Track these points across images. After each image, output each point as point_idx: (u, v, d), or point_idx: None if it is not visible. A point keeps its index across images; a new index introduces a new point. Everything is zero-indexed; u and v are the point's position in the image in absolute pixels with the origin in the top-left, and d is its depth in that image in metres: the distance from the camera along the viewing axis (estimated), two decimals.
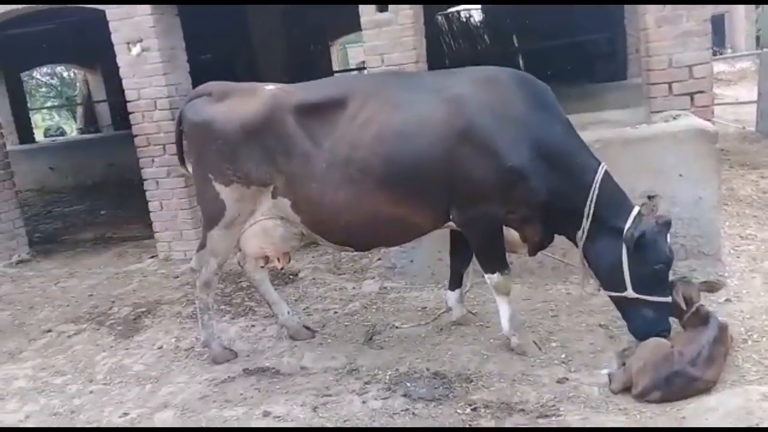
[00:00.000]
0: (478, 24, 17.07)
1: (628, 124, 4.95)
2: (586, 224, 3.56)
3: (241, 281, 5.26)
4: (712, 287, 3.62)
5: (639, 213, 3.51)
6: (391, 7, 5.21)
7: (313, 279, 5.38)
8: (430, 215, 3.70)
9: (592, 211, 3.52)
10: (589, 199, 3.52)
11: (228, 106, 3.84)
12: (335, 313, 4.66)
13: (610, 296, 3.63)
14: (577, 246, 3.68)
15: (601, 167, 3.61)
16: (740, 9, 29.72)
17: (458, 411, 3.23)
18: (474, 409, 3.23)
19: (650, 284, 3.47)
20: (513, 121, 3.54)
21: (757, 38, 21.55)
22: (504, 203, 3.58)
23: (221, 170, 3.80)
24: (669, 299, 3.47)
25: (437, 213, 3.68)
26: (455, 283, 4.19)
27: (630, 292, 3.47)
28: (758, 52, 9.97)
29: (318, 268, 5.56)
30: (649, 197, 4.54)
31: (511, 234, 3.76)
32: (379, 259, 5.33)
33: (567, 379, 3.43)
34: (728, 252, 4.77)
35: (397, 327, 4.29)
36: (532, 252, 3.88)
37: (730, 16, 32.02)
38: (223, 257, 4.03)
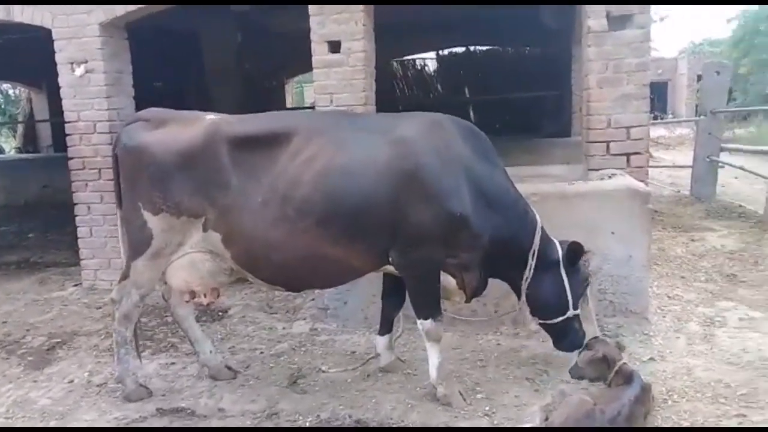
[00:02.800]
0: (432, 73, 17.41)
1: (566, 179, 5.06)
2: (532, 262, 3.70)
3: (166, 316, 5.08)
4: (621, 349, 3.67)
5: (559, 242, 3.79)
6: (343, 48, 5.25)
7: (243, 317, 5.23)
8: (369, 257, 3.64)
9: (537, 251, 3.67)
10: (535, 241, 3.70)
11: (164, 133, 3.74)
12: (261, 353, 4.52)
13: (548, 324, 3.81)
14: (516, 287, 3.82)
15: (535, 212, 3.81)
16: (683, 78, 31.26)
17: None
18: None
19: (578, 300, 3.78)
20: (457, 165, 3.56)
21: (696, 106, 22.61)
22: (446, 248, 3.57)
23: (151, 198, 3.68)
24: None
25: (376, 255, 3.63)
26: (385, 328, 4.12)
27: (571, 311, 3.73)
28: (696, 119, 10.34)
29: (249, 305, 5.42)
30: None
31: (448, 280, 3.73)
32: (313, 299, 5.24)
33: None
34: (655, 311, 4.85)
35: (323, 371, 4.17)
36: (469, 298, 3.87)
37: (673, 84, 33.70)
38: (146, 289, 3.87)
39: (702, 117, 9.88)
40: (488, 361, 4.23)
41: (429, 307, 3.67)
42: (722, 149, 9.87)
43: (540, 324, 3.88)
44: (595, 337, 3.79)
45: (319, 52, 5.26)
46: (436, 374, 3.71)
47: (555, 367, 4.04)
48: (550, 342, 4.39)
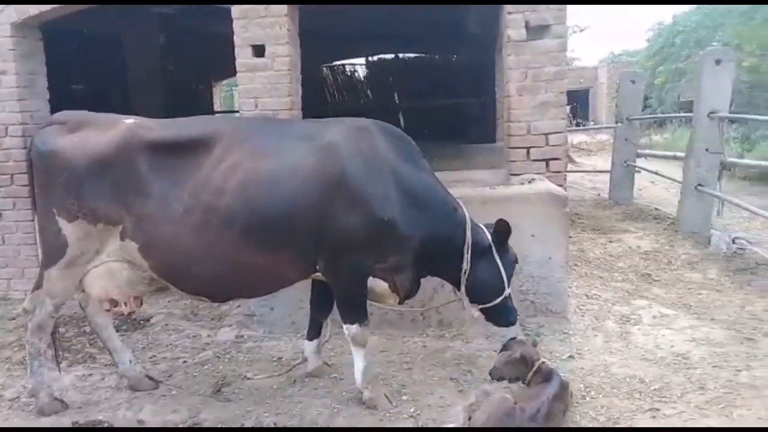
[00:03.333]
0: (362, 79, 17.51)
1: (488, 184, 5.18)
2: (467, 255, 3.74)
3: (84, 326, 4.89)
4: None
5: (485, 225, 3.86)
6: (267, 52, 5.21)
7: (166, 325, 5.10)
8: (297, 266, 3.62)
9: (470, 243, 3.73)
10: (467, 235, 3.75)
11: (80, 137, 3.61)
12: (184, 362, 4.42)
13: (489, 307, 3.85)
14: (454, 281, 3.86)
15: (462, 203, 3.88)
16: (603, 86, 32.47)
17: None
18: None
19: (510, 278, 3.88)
20: (384, 170, 3.57)
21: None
22: (375, 253, 3.58)
23: (65, 204, 3.54)
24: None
25: (304, 263, 3.60)
26: (313, 333, 4.11)
27: (507, 290, 3.82)
28: (613, 126, 10.77)
29: (173, 313, 5.30)
30: None
31: (380, 285, 3.74)
32: (239, 306, 5.15)
33: None
34: (574, 310, 5.02)
35: (248, 378, 4.12)
36: (402, 300, 3.89)
37: (594, 91, 34.95)
38: (60, 299, 3.72)
39: (619, 124, 10.30)
40: (414, 363, 4.28)
41: (356, 312, 3.68)
42: (638, 155, 10.30)
43: (480, 309, 3.91)
44: (513, 338, 3.89)
45: (243, 56, 5.20)
46: (362, 378, 3.72)
47: (478, 367, 4.13)
48: (474, 343, 4.53)
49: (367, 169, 3.51)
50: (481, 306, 3.89)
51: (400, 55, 16.75)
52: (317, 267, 3.60)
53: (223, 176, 3.41)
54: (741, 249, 6.57)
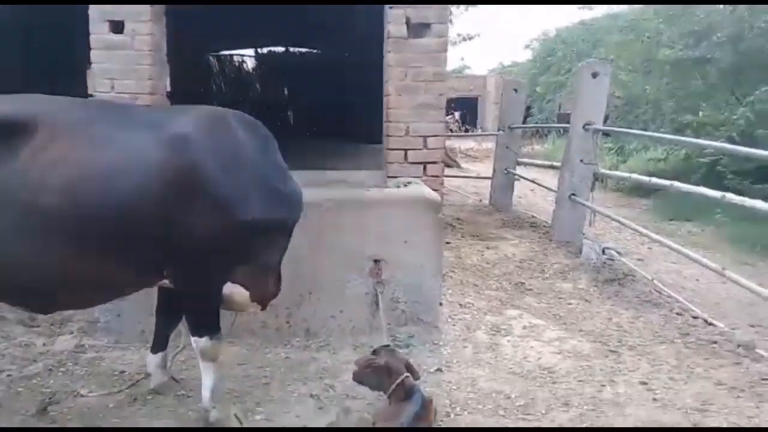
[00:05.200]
0: (251, 70, 16.94)
1: (365, 185, 4.95)
2: None
3: None
4: (411, 371, 3.55)
5: None
6: (127, 29, 4.70)
7: None
8: (138, 274, 3.16)
9: None
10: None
11: None
12: (9, 375, 3.85)
13: None
14: None
15: None
16: (491, 95, 33.48)
17: None
18: None
19: None
20: (244, 167, 3.18)
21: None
22: (236, 258, 3.21)
23: None
24: None
25: (147, 271, 3.16)
26: (159, 345, 3.69)
27: None
28: (495, 134, 10.91)
29: (5, 317, 4.64)
30: (375, 261, 4.52)
31: (239, 293, 3.36)
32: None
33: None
34: (446, 319, 4.89)
35: (81, 395, 3.64)
36: (264, 306, 3.56)
37: (482, 100, 36.01)
38: None
39: (501, 132, 10.43)
40: (273, 378, 3.96)
41: (207, 324, 3.31)
42: (518, 163, 10.49)
43: None
44: (386, 345, 3.67)
45: (98, 31, 4.66)
46: (209, 396, 3.36)
47: (342, 382, 3.86)
48: (340, 354, 4.29)
49: (223, 165, 3.10)
50: None
51: (291, 50, 16.31)
52: (164, 274, 3.19)
53: (43, 172, 2.84)
54: (610, 259, 6.72)
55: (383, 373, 3.41)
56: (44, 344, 4.34)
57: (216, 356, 3.38)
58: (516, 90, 10.53)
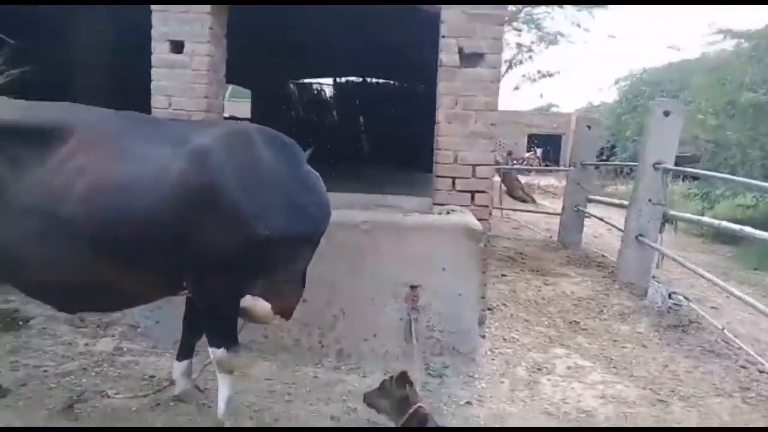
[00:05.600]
0: (329, 99, 17.30)
1: (409, 211, 4.88)
2: None
3: None
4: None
5: None
6: (186, 50, 4.88)
7: (44, 328, 4.65)
8: (157, 283, 3.22)
9: None
10: None
11: None
12: (45, 371, 3.98)
13: None
14: None
15: None
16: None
17: None
18: None
19: None
20: (264, 181, 3.19)
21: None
22: (255, 272, 3.21)
23: None
24: None
25: (166, 281, 3.20)
26: (184, 353, 3.72)
27: None
28: (567, 170, 10.60)
29: (55, 317, 4.82)
30: (412, 287, 4.43)
31: (261, 306, 3.35)
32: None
33: None
34: (485, 353, 4.71)
35: (108, 396, 3.71)
36: (288, 318, 3.54)
37: (566, 137, 35.25)
38: None
39: (572, 168, 10.13)
40: (297, 396, 3.91)
41: (224, 336, 3.30)
42: (589, 200, 10.13)
43: None
44: (403, 372, 3.55)
45: (159, 51, 4.87)
46: (225, 409, 3.35)
47: (365, 406, 3.75)
48: (370, 378, 4.19)
49: (243, 180, 3.11)
50: None
51: (368, 80, 16.56)
52: (184, 285, 3.22)
53: (68, 179, 2.94)
54: (677, 305, 6.33)
55: (398, 403, 3.30)
56: (86, 344, 4.47)
57: (233, 368, 3.37)
58: (589, 126, 10.22)
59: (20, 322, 4.74)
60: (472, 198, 5.04)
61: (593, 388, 4.29)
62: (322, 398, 3.88)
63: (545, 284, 7.01)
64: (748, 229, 5.50)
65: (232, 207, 3.06)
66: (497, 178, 17.25)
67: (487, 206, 5.10)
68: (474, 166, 5.00)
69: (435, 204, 5.03)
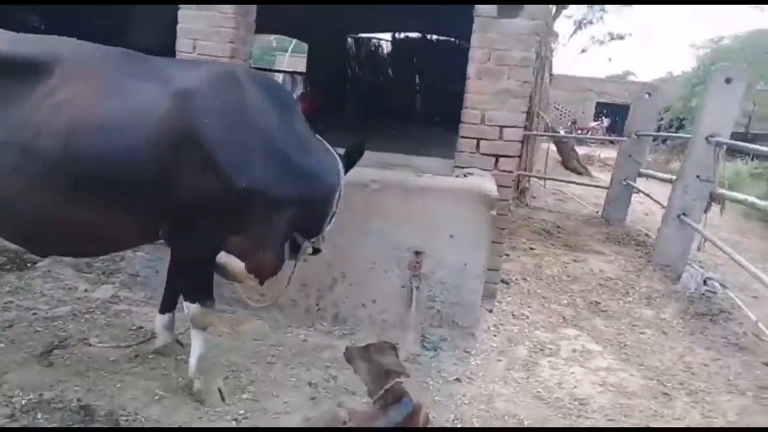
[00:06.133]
0: (385, 55, 16.92)
1: (429, 172, 4.64)
2: (335, 209, 3.39)
3: None
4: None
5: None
6: None
7: (49, 271, 4.68)
8: (133, 229, 3.10)
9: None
10: (342, 189, 3.35)
11: None
12: (35, 314, 4.00)
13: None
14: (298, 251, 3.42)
15: (339, 160, 3.41)
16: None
17: None
18: None
19: None
20: (250, 128, 3.02)
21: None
22: (231, 224, 3.08)
23: None
24: None
25: (142, 228, 3.09)
26: (167, 306, 3.66)
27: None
28: (621, 140, 10.04)
29: (63, 260, 4.86)
30: (416, 253, 4.23)
31: (235, 264, 3.25)
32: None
33: None
34: (488, 328, 4.49)
35: (90, 344, 3.69)
36: (262, 281, 3.42)
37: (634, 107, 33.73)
38: None
39: (626, 138, 9.60)
40: (280, 358, 3.81)
41: (198, 290, 3.21)
42: (640, 174, 9.60)
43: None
44: (386, 342, 3.37)
45: None
46: (196, 366, 3.27)
47: (347, 374, 3.61)
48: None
49: (226, 125, 2.95)
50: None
51: (427, 36, 16.06)
52: (159, 233, 3.12)
53: (47, 114, 2.83)
54: (711, 291, 5.93)
55: (378, 372, 3.14)
56: (85, 290, 4.48)
57: (207, 324, 3.28)
58: (649, 94, 9.60)
59: (28, 264, 4.79)
60: (496, 162, 4.72)
61: (594, 374, 4.03)
62: (306, 363, 3.77)
63: (574, 261, 6.68)
64: None
65: (211, 153, 2.90)
66: (551, 146, 16.72)
67: (511, 172, 4.78)
68: (502, 127, 4.66)
69: (456, 167, 4.76)
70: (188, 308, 3.23)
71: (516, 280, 5.75)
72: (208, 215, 3.00)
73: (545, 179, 11.94)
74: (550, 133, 12.74)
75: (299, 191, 3.17)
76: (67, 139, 2.82)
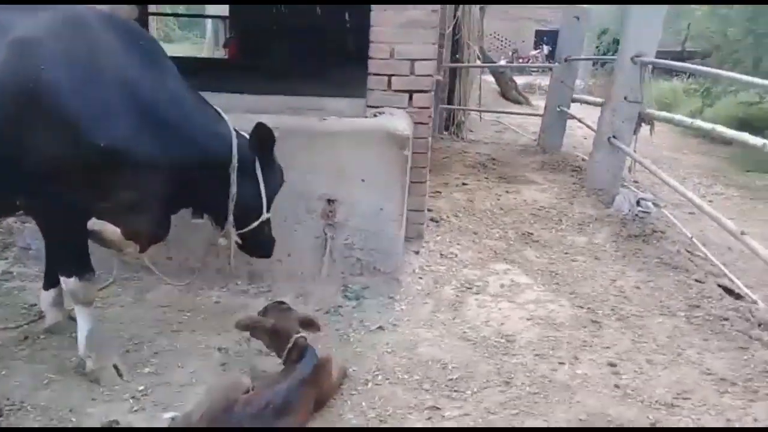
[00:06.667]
0: None
1: (341, 114, 4.34)
2: (234, 179, 2.99)
3: None
4: (309, 325, 3.04)
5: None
6: None
7: None
8: None
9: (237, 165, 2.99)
10: (233, 154, 2.98)
11: None
12: None
13: (244, 234, 3.19)
14: (217, 210, 3.12)
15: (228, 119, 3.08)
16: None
17: None
18: None
19: (270, 202, 3.21)
20: (106, 78, 2.66)
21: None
22: (92, 190, 2.74)
23: None
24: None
25: None
26: (51, 281, 3.32)
27: (265, 215, 3.17)
28: (552, 65, 9.84)
29: None
30: (328, 201, 3.97)
31: (109, 230, 2.95)
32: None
33: (117, 423, 2.69)
34: (413, 271, 4.31)
35: None
36: (143, 248, 3.13)
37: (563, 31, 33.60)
38: None
39: (556, 64, 9.40)
40: (188, 325, 3.55)
41: (72, 262, 2.90)
42: (573, 100, 9.46)
43: (239, 236, 3.22)
44: (279, 302, 3.17)
45: None
46: (86, 344, 2.99)
47: None
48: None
49: (76, 76, 2.59)
50: (239, 231, 3.17)
51: None
52: (17, 203, 2.78)
53: None
54: (644, 212, 5.86)
55: (274, 337, 2.95)
56: None
57: (90, 299, 2.98)
58: (577, 18, 9.36)
59: None
60: (410, 99, 4.47)
61: (522, 308, 3.90)
62: (216, 327, 3.52)
63: (507, 192, 6.52)
64: (725, 130, 4.97)
65: (61, 111, 2.57)
66: (490, 78, 16.49)
67: (428, 107, 4.53)
68: (413, 61, 4.38)
69: (368, 106, 4.48)
70: (65, 283, 2.92)
71: (447, 217, 5.56)
72: (66, 181, 2.67)
73: (480, 111, 11.72)
74: (481, 64, 12.42)
75: (170, 153, 2.81)
76: None
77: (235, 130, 3.05)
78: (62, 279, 2.93)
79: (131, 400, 2.85)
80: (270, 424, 2.55)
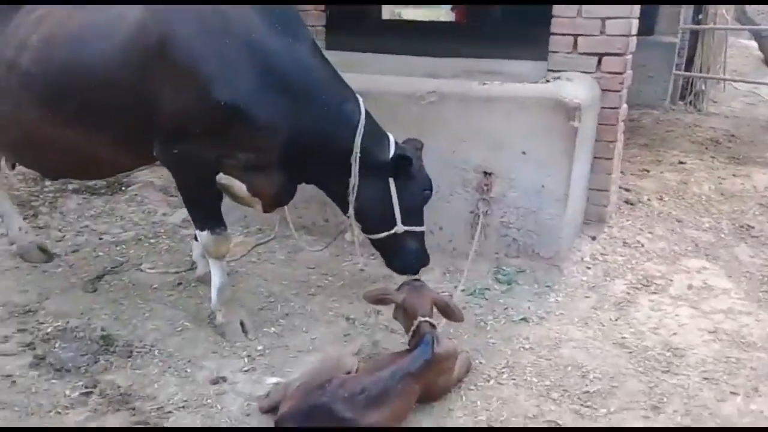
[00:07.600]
0: None
1: (524, 79, 3.94)
2: (356, 168, 2.88)
3: None
4: (445, 310, 2.76)
5: (396, 142, 2.99)
6: None
7: (136, 195, 4.75)
8: (124, 149, 2.94)
9: (360, 154, 2.86)
10: (356, 142, 2.86)
11: None
12: (101, 239, 4.06)
13: (373, 240, 3.09)
14: (338, 197, 3.04)
15: (361, 100, 2.94)
16: None
17: (67, 391, 2.61)
18: (85, 393, 2.60)
19: (415, 214, 3.05)
20: (231, 38, 2.67)
21: None
22: (217, 145, 2.77)
23: None
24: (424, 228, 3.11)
25: (133, 148, 2.92)
26: None
27: (399, 227, 2.99)
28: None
29: (153, 183, 4.90)
30: (485, 173, 3.64)
31: (237, 185, 2.97)
32: None
33: (224, 380, 2.71)
34: (582, 259, 3.79)
35: (140, 270, 3.66)
36: (268, 208, 3.12)
37: None
38: None
39: None
40: (326, 289, 3.52)
41: (203, 216, 2.98)
42: None
43: (370, 241, 3.12)
44: (416, 280, 2.95)
45: None
46: (216, 298, 3.07)
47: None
48: (427, 275, 3.58)
49: (202, 35, 2.63)
50: (368, 236, 3.03)
51: None
52: (154, 153, 2.90)
53: (29, 28, 2.77)
54: None
55: (403, 313, 2.74)
56: (164, 214, 4.49)
57: (221, 254, 3.05)
58: None
59: (123, 188, 4.90)
60: (599, 62, 3.90)
61: (707, 317, 3.23)
62: (350, 296, 3.43)
63: (733, 175, 5.49)
64: None
65: (186, 68, 2.63)
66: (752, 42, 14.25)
67: (620, 73, 3.93)
68: (603, 19, 3.82)
69: (549, 70, 4.00)
70: (199, 237, 3.02)
71: (647, 200, 4.84)
72: (193, 134, 2.72)
73: (725, 80, 10.15)
74: (731, 26, 10.59)
75: (289, 121, 2.76)
76: (41, 53, 2.75)
77: (367, 111, 2.90)
78: (196, 232, 3.02)
79: (246, 359, 2.87)
80: (359, 412, 2.36)
